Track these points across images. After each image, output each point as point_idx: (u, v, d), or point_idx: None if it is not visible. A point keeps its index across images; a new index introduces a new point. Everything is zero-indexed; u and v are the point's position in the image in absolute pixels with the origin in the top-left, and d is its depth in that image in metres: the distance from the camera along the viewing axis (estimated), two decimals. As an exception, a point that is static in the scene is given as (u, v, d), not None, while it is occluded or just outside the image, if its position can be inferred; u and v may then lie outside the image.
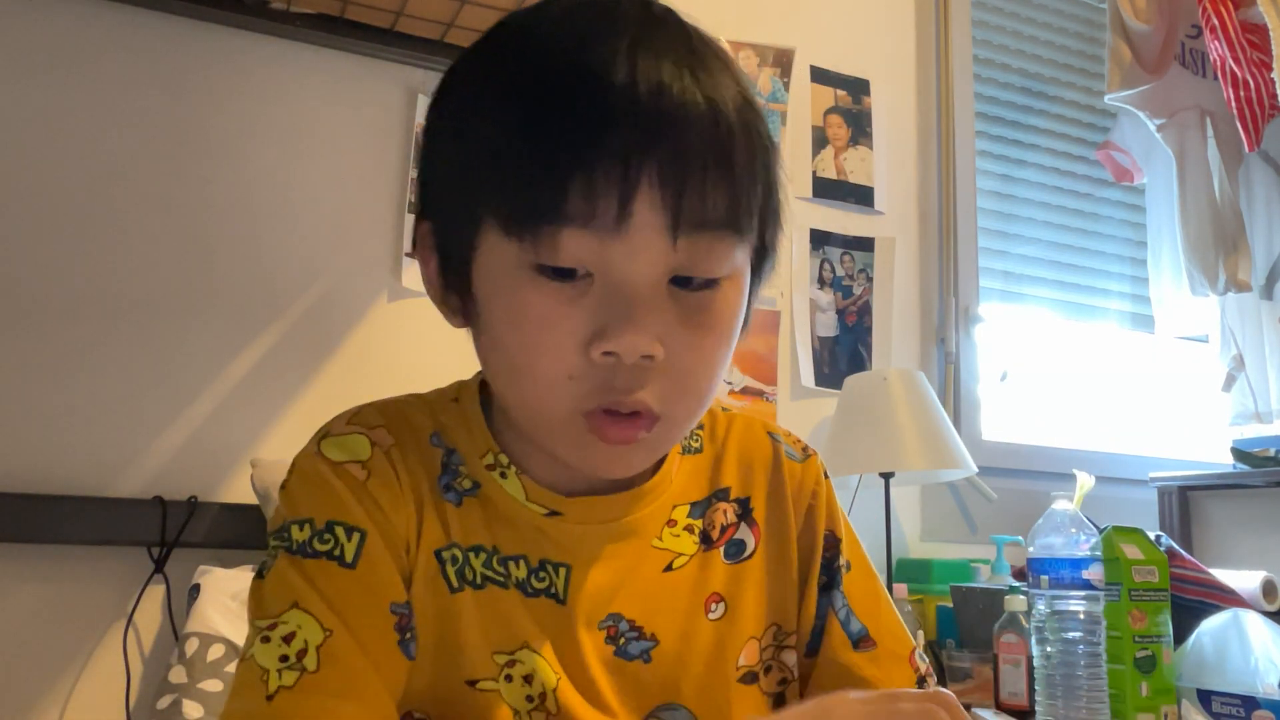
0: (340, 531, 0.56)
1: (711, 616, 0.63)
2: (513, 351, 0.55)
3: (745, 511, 0.67)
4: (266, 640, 0.53)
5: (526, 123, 0.51)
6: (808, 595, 0.66)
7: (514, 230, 0.52)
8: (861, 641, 0.65)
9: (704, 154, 0.52)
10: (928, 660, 0.68)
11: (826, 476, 0.70)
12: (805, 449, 0.71)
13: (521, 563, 0.60)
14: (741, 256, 0.56)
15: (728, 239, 0.54)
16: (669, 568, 0.63)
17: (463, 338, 0.66)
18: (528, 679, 0.58)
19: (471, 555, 0.59)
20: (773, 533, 0.66)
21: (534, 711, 0.58)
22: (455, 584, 0.59)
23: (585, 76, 0.51)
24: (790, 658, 0.65)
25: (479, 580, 0.59)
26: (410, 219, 1.65)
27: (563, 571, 0.60)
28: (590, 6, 0.56)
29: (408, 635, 0.56)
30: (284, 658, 0.52)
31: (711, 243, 0.53)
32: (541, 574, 0.60)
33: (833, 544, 0.67)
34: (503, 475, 0.61)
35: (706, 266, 0.54)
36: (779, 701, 0.64)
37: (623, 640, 0.61)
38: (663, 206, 0.51)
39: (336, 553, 0.56)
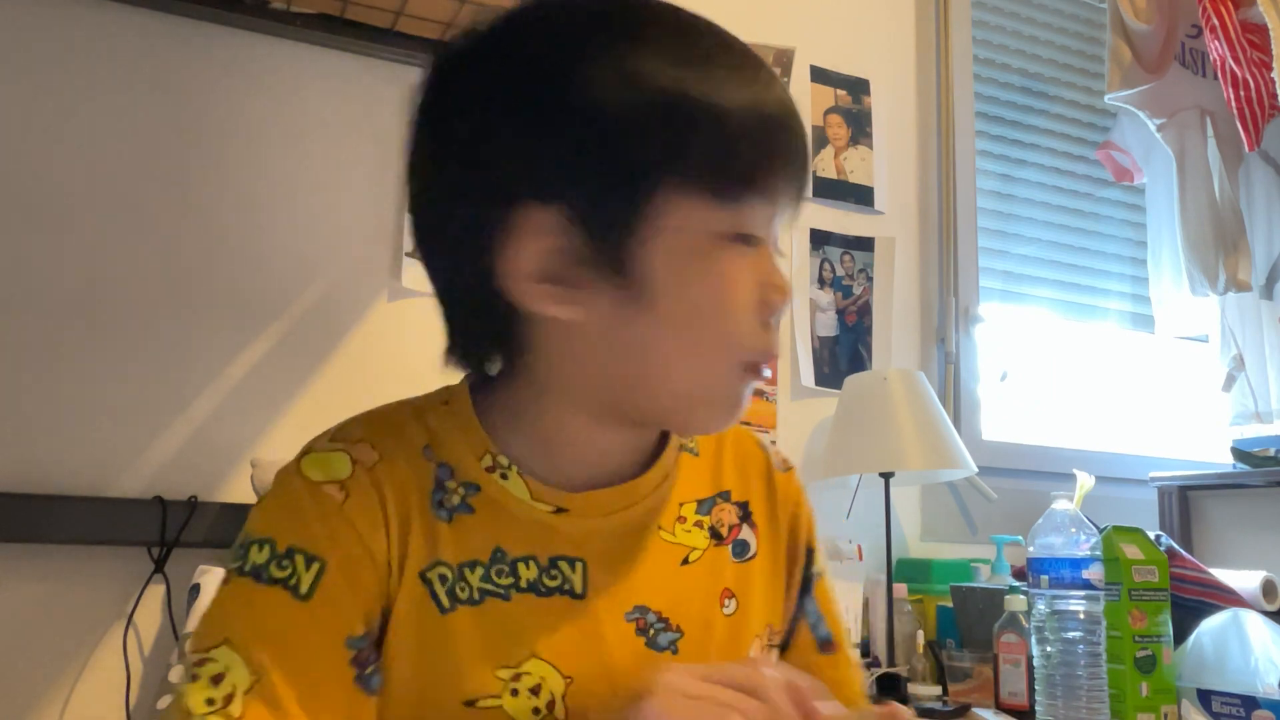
0: (300, 560, 0.55)
1: (726, 611, 0.65)
2: (704, 315, 0.55)
3: (746, 514, 0.69)
4: (195, 679, 0.52)
5: (727, 78, 0.55)
6: (790, 598, 0.70)
7: (722, 198, 0.54)
8: (826, 645, 0.71)
9: (808, 153, 0.60)
10: None
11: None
12: (785, 461, 0.73)
13: (531, 563, 0.59)
14: None
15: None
16: (686, 561, 0.64)
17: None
18: (535, 690, 0.57)
19: (466, 571, 0.58)
20: (768, 536, 0.69)
21: None
22: (446, 604, 0.57)
23: (759, 65, 0.58)
24: (775, 656, 0.69)
25: (476, 596, 0.58)
26: (410, 219, 1.65)
27: (578, 566, 0.60)
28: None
29: (368, 670, 0.55)
30: (210, 700, 0.51)
31: (791, 217, 0.61)
32: (554, 572, 0.60)
33: (810, 554, 0.71)
34: (503, 476, 0.60)
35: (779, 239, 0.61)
36: None
37: (652, 631, 0.61)
38: (797, 185, 0.58)
39: (292, 582, 0.54)
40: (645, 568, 0.62)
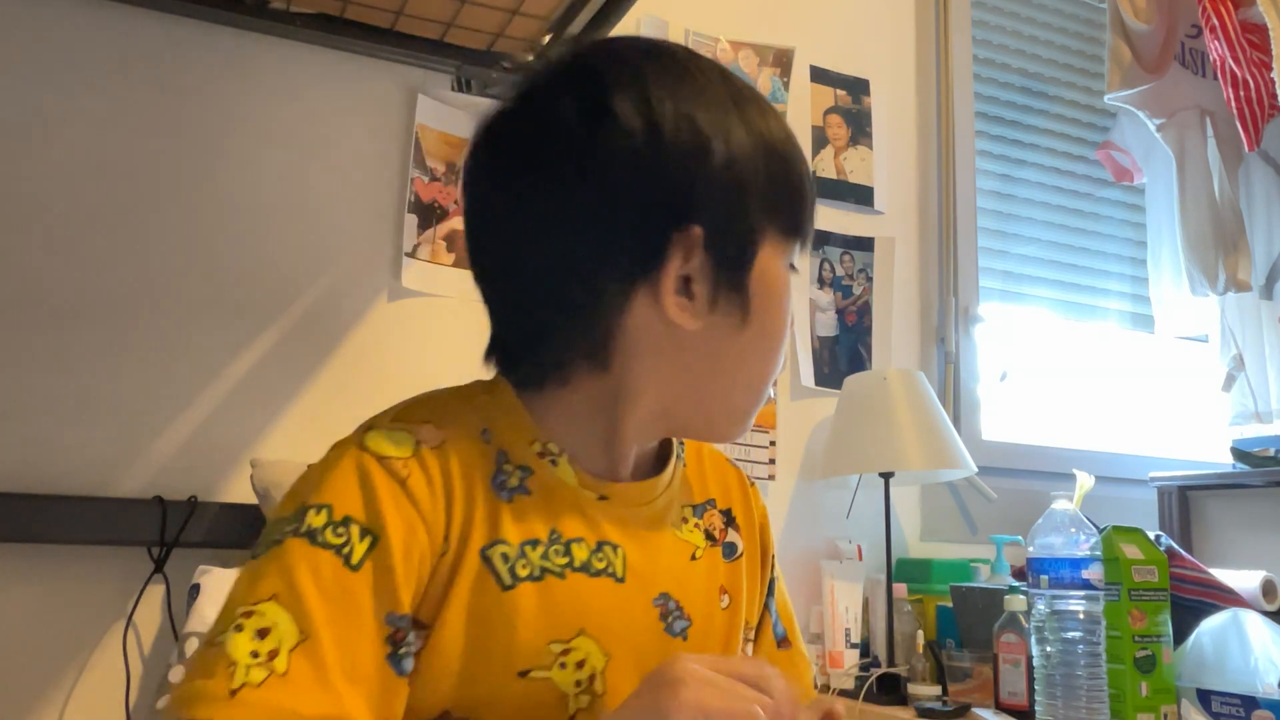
0: (355, 530, 0.56)
1: (722, 606, 0.71)
2: (779, 334, 0.67)
3: (730, 520, 0.76)
4: (240, 629, 0.52)
5: (788, 138, 0.67)
6: (760, 602, 0.78)
7: (797, 238, 0.67)
8: (782, 642, 0.80)
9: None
10: None
11: None
12: (750, 479, 0.81)
13: (583, 544, 0.63)
14: None
15: None
16: (693, 557, 0.70)
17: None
18: (580, 664, 0.61)
19: (527, 549, 0.61)
20: (747, 541, 0.76)
21: (581, 694, 0.61)
22: (508, 581, 0.60)
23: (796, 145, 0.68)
24: (750, 651, 0.76)
25: (537, 573, 0.61)
26: (410, 219, 1.65)
27: (620, 551, 0.65)
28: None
29: (401, 650, 0.56)
30: (254, 653, 0.51)
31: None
32: (600, 554, 0.64)
33: (771, 561, 0.80)
34: (553, 462, 0.65)
35: None
36: None
37: (670, 618, 0.66)
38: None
39: (345, 551, 0.55)
40: (666, 559, 0.68)
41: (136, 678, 1.37)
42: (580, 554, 0.63)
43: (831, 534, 1.92)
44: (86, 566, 1.38)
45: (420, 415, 0.63)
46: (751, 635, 0.75)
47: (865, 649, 1.75)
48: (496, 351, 0.68)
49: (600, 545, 0.64)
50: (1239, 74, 2.09)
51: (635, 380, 0.64)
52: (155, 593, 1.40)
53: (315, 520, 0.56)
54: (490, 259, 0.67)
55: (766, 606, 0.79)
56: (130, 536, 1.38)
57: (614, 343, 0.63)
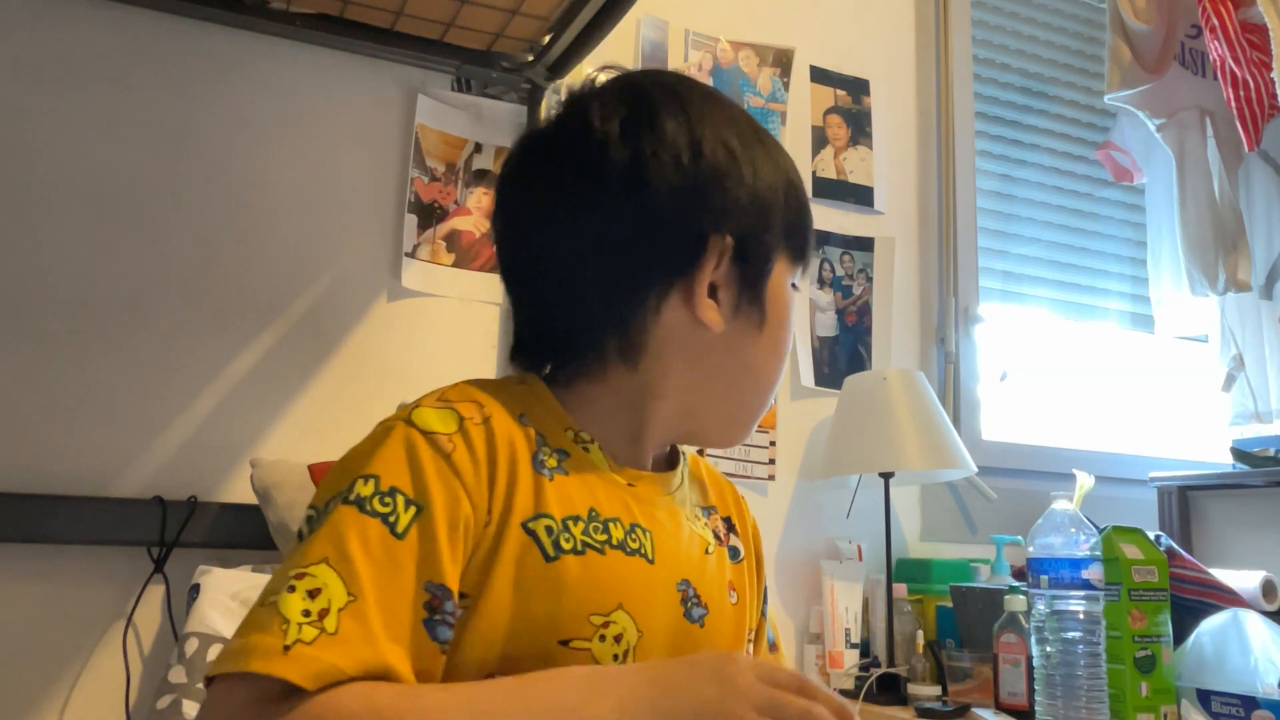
0: (400, 500, 0.59)
1: (732, 600, 0.74)
2: (785, 341, 0.74)
3: (730, 526, 0.80)
4: (292, 590, 0.55)
5: (807, 208, 0.76)
6: (756, 607, 0.82)
7: (798, 260, 0.75)
8: (772, 647, 0.85)
9: None
10: None
11: None
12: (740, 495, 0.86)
13: (619, 524, 0.67)
14: None
15: None
16: (707, 551, 0.74)
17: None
18: (618, 638, 0.64)
19: (570, 523, 0.64)
20: (745, 547, 0.80)
21: None
22: (552, 553, 0.62)
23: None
24: (750, 650, 0.79)
25: (579, 547, 0.64)
26: (410, 219, 1.65)
27: (649, 535, 0.68)
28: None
29: (437, 617, 0.58)
30: (306, 612, 0.54)
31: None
32: (634, 536, 0.67)
33: (763, 571, 0.84)
34: (586, 448, 0.69)
35: None
36: None
37: (690, 604, 0.69)
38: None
39: (391, 519, 0.58)
40: (685, 548, 0.71)
41: (136, 678, 1.37)
42: (617, 533, 0.66)
43: (831, 534, 1.92)
44: (86, 566, 1.38)
45: (465, 395, 0.66)
46: (752, 638, 0.79)
47: (865, 649, 1.75)
48: (523, 350, 0.73)
49: (633, 527, 0.67)
50: (1239, 74, 2.09)
51: (661, 378, 0.70)
52: (155, 593, 1.40)
53: (363, 490, 0.59)
54: (530, 264, 0.72)
55: (762, 613, 0.84)
56: (130, 536, 1.38)
57: (645, 342, 0.69)
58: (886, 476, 1.74)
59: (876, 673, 1.58)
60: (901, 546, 1.99)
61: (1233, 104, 2.12)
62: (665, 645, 0.66)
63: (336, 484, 0.60)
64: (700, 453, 1.36)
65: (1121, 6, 2.22)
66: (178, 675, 1.21)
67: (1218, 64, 2.13)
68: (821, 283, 2.03)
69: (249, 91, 1.58)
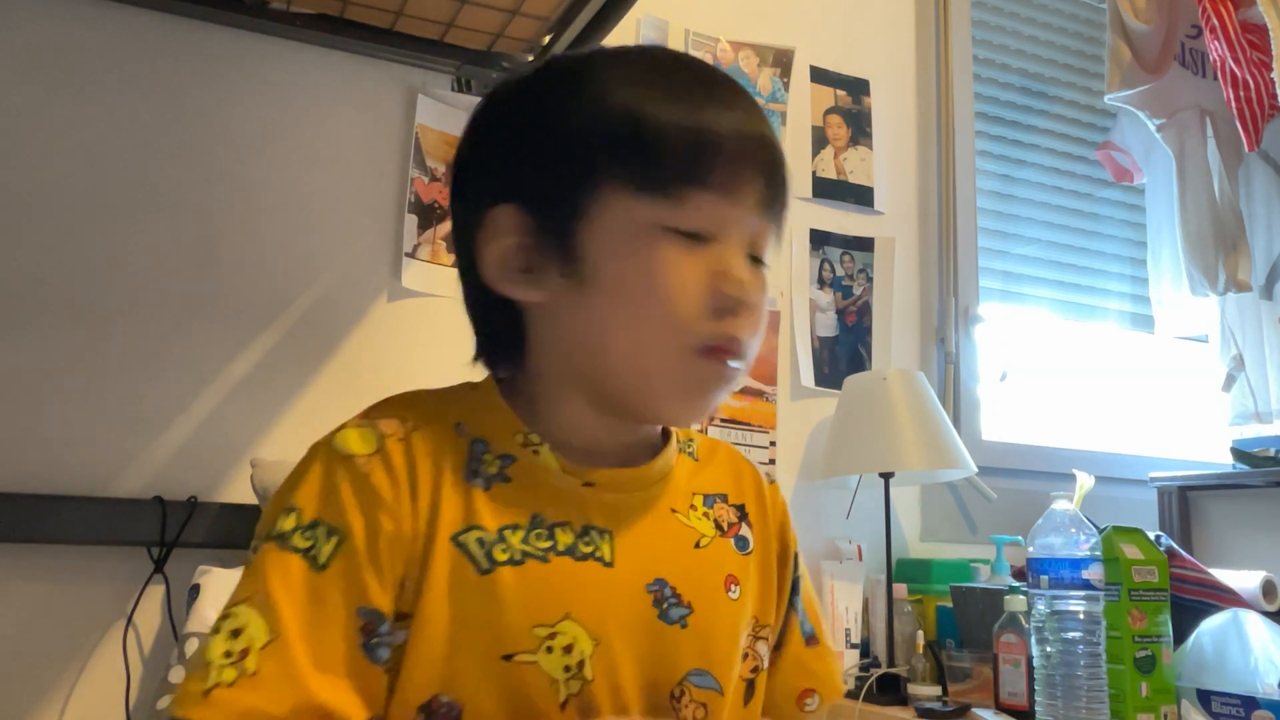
0: (321, 531, 0.58)
1: (731, 595, 0.70)
2: (638, 298, 0.61)
3: (743, 514, 0.75)
4: (217, 631, 0.56)
5: (673, 98, 0.62)
6: (781, 598, 0.77)
7: (653, 189, 0.61)
8: (811, 639, 0.79)
9: (780, 150, 0.66)
10: None
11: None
12: (770, 476, 0.81)
13: (567, 529, 0.64)
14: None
15: (777, 233, 0.67)
16: (698, 545, 0.70)
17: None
18: (567, 649, 0.61)
19: (507, 533, 0.62)
20: (760, 538, 0.75)
21: (571, 680, 0.61)
22: (485, 565, 0.60)
23: (709, 71, 0.66)
24: (763, 648, 0.74)
25: (518, 557, 0.61)
26: (410, 219, 1.65)
27: (607, 536, 0.65)
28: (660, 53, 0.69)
29: (374, 640, 0.58)
30: (228, 653, 0.54)
31: (776, 231, 0.66)
32: (587, 539, 0.64)
33: (795, 560, 0.79)
34: (535, 451, 0.65)
35: (767, 250, 0.66)
36: (750, 687, 0.72)
37: (665, 605, 0.65)
38: (765, 189, 0.64)
39: (312, 553, 0.58)
40: (664, 545, 0.67)
41: (136, 678, 1.37)
42: (565, 538, 0.63)
43: (831, 534, 1.92)
44: (86, 566, 1.38)
45: (387, 411, 0.64)
46: (764, 634, 0.74)
47: (865, 649, 1.75)
48: (479, 352, 0.71)
49: (586, 530, 0.64)
50: (1239, 74, 2.09)
51: (545, 361, 0.67)
52: (155, 593, 1.40)
53: (285, 524, 0.59)
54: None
55: (792, 605, 0.78)
56: (130, 536, 1.38)
57: (514, 333, 0.67)
58: (886, 476, 1.74)
59: (876, 673, 1.58)
60: (901, 546, 1.99)
61: (1233, 104, 2.12)
62: (636, 651, 0.63)
63: (267, 517, 0.60)
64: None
65: (1121, 6, 2.22)
66: (178, 675, 1.21)
67: (1218, 64, 2.13)
68: (821, 283, 2.03)
69: (249, 92, 1.58)
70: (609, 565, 0.64)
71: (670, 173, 0.61)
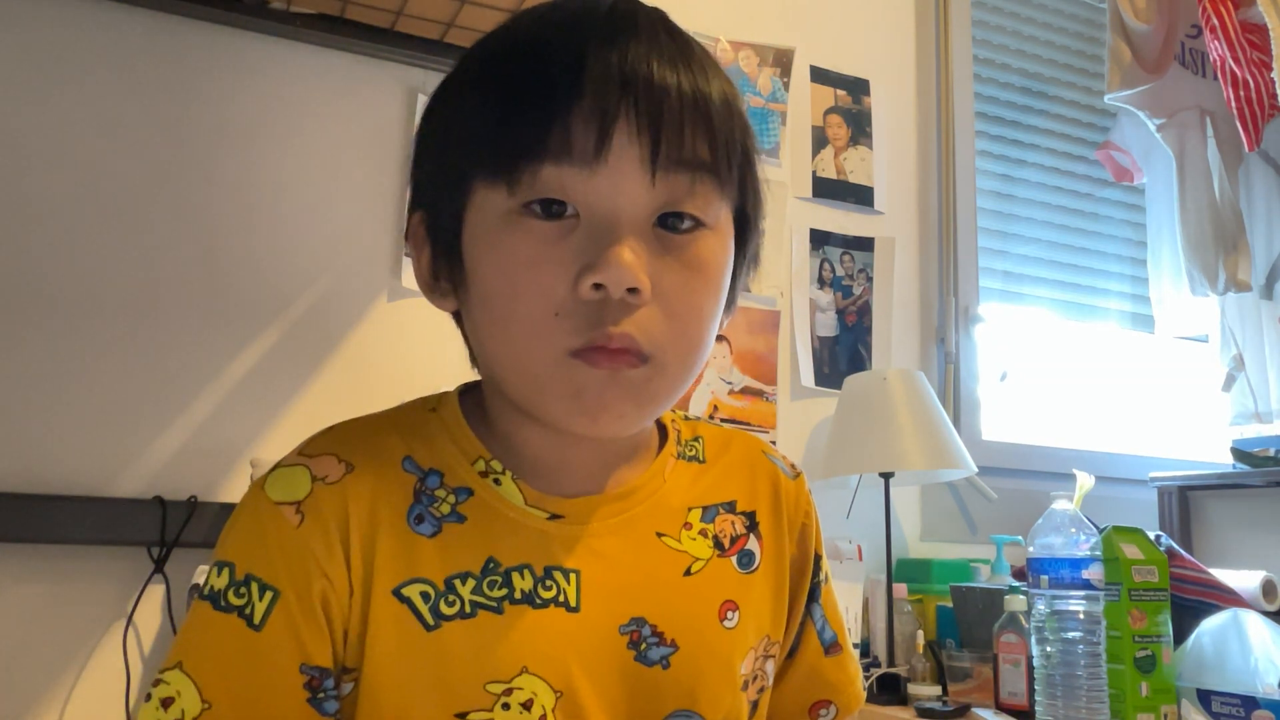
0: (255, 588, 0.54)
1: (726, 625, 0.63)
2: (502, 298, 0.55)
3: (752, 524, 0.67)
4: (149, 699, 0.53)
5: (507, 76, 0.55)
6: (796, 608, 0.70)
7: (499, 173, 0.53)
8: (831, 647, 0.72)
9: (680, 98, 0.54)
10: None
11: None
12: (794, 467, 0.73)
13: (526, 572, 0.58)
14: (724, 211, 0.58)
15: (708, 181, 0.55)
16: (689, 572, 0.63)
17: (461, 339, 0.67)
18: (526, 705, 0.56)
19: (456, 583, 0.56)
20: (773, 547, 0.68)
21: None
22: (431, 621, 0.56)
23: (564, 37, 0.55)
24: (770, 667, 0.67)
25: (468, 609, 0.56)
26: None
27: (573, 578, 0.58)
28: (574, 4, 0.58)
29: (320, 694, 0.55)
30: None
31: (692, 183, 0.55)
32: (548, 583, 0.58)
33: (818, 563, 0.71)
34: (496, 481, 0.60)
35: (690, 204, 0.55)
36: (754, 710, 0.66)
37: (644, 645, 0.60)
38: (639, 140, 0.53)
39: (247, 611, 0.54)
40: (645, 578, 0.61)
41: (136, 678, 1.37)
42: (523, 583, 0.57)
43: (831, 534, 1.92)
44: (86, 566, 1.38)
45: (324, 447, 0.59)
46: (774, 652, 0.68)
47: (865, 649, 1.75)
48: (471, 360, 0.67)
49: (549, 572, 0.58)
50: (1239, 74, 2.09)
51: (486, 379, 0.63)
52: (155, 593, 1.40)
53: (218, 582, 0.55)
54: None
55: (809, 613, 0.71)
56: (130, 536, 1.38)
57: (472, 348, 0.63)
58: (886, 476, 1.74)
59: (877, 673, 1.58)
60: (902, 546, 1.99)
61: (1233, 104, 2.12)
62: (609, 698, 0.58)
63: (210, 563, 0.57)
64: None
65: (1121, 6, 2.22)
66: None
67: (1218, 64, 2.13)
68: (821, 283, 2.03)
69: (249, 92, 1.58)
70: (574, 610, 0.58)
71: (514, 146, 0.53)
